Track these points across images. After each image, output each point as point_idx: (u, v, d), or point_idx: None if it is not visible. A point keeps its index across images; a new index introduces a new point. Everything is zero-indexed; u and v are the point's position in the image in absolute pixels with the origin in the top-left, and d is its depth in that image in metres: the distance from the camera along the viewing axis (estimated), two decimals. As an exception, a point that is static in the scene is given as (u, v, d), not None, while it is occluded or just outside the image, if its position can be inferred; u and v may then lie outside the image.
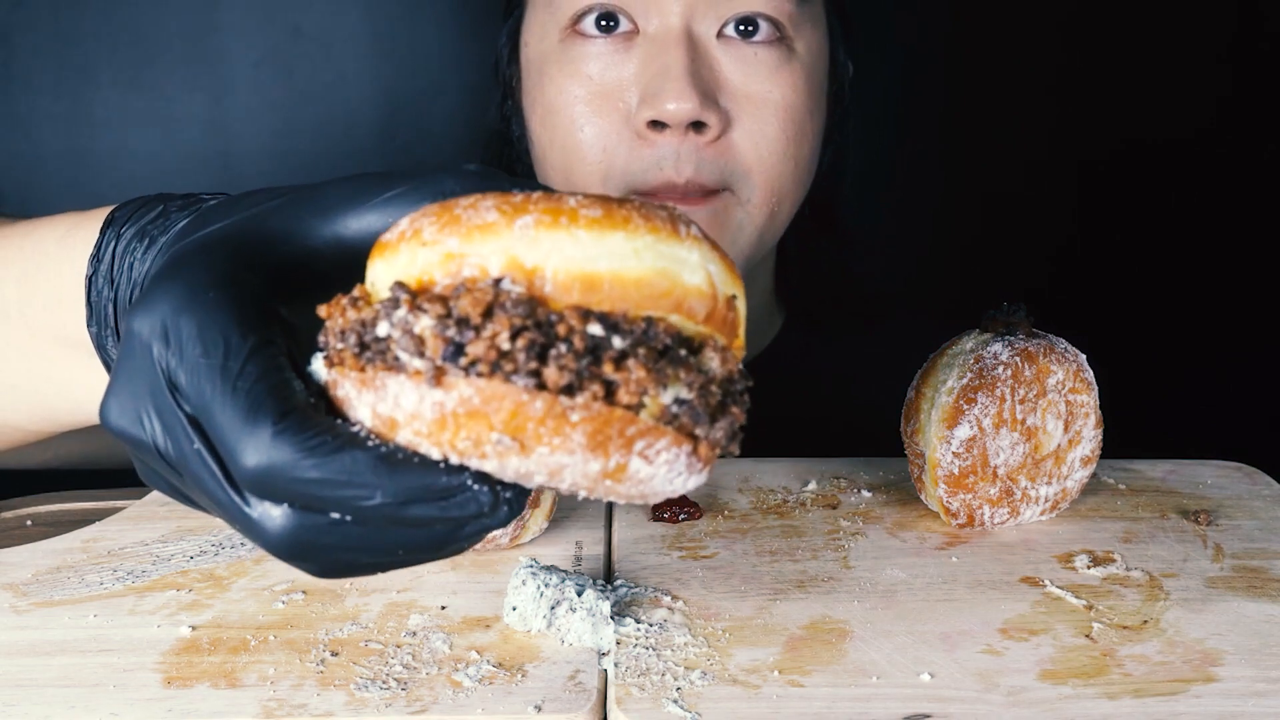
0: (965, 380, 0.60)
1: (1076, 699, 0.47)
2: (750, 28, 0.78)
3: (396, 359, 0.35)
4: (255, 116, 1.37)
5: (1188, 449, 0.75)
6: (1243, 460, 0.73)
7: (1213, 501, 0.67)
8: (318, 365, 0.37)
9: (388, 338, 0.35)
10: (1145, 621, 0.53)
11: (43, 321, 0.53)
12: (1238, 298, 1.51)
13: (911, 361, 0.65)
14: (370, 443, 0.35)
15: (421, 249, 0.36)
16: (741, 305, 0.39)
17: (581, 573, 0.55)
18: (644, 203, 0.37)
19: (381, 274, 0.37)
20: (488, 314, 0.34)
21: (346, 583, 0.56)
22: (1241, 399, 1.50)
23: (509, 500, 0.36)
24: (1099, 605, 0.55)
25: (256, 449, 0.34)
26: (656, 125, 0.76)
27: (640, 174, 0.77)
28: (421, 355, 0.34)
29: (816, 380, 0.94)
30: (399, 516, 0.35)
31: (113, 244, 0.49)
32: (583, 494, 0.37)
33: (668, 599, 0.55)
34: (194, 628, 0.52)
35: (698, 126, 0.76)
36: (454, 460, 0.35)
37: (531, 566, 0.53)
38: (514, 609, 0.52)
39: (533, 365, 0.34)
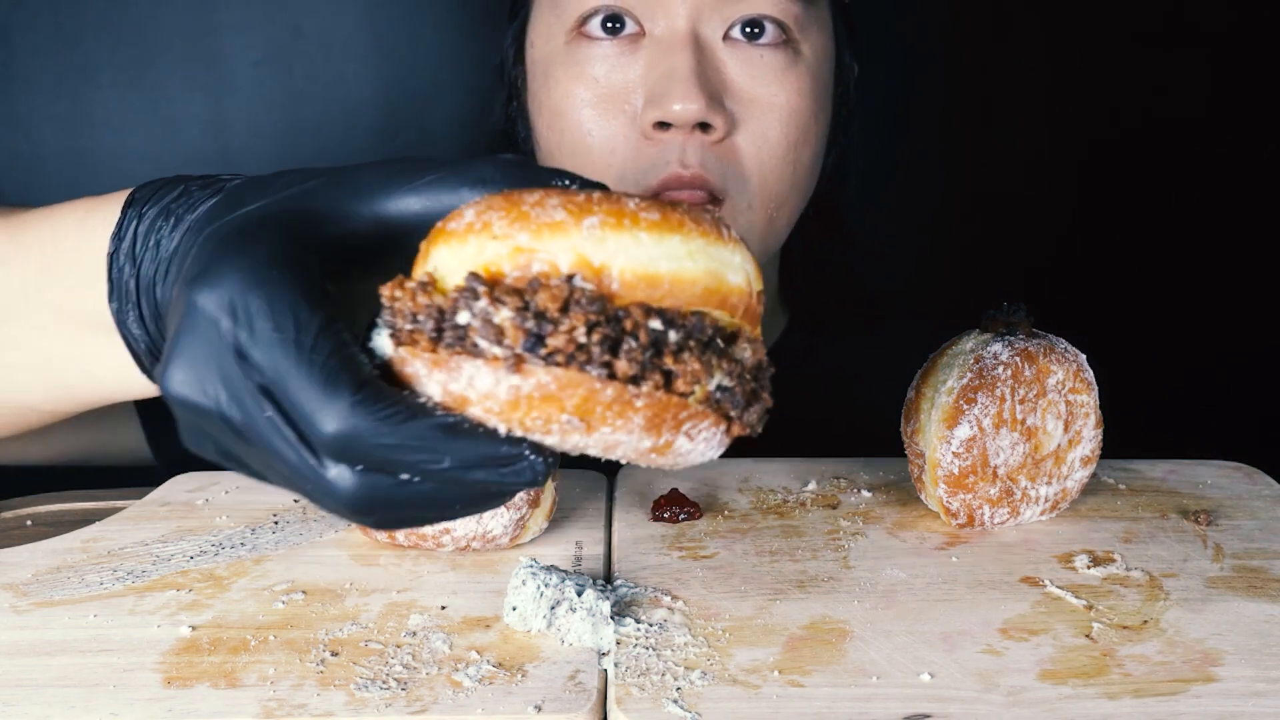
0: (965, 380, 0.60)
1: (1076, 699, 0.47)
2: (756, 30, 0.78)
3: (475, 345, 0.38)
4: (255, 116, 1.37)
5: (1188, 449, 0.75)
6: (1243, 460, 0.73)
7: (1213, 501, 0.67)
8: (382, 341, 0.40)
9: (467, 326, 0.38)
10: (1145, 621, 0.53)
11: (62, 301, 0.55)
12: (1238, 298, 1.51)
13: (911, 361, 0.65)
14: (438, 413, 0.38)
15: (491, 241, 0.39)
16: (761, 299, 0.43)
17: (581, 573, 0.55)
18: (691, 206, 0.41)
19: (446, 260, 0.40)
20: (564, 309, 0.37)
21: (347, 583, 0.56)
22: (1241, 399, 1.50)
23: (553, 464, 0.39)
24: (1099, 605, 0.55)
25: (337, 417, 0.37)
26: (662, 126, 0.76)
27: (647, 171, 0.78)
28: (500, 344, 0.37)
29: (819, 381, 0.94)
30: (461, 479, 0.38)
31: (134, 223, 0.50)
32: (623, 460, 0.40)
33: (668, 599, 0.55)
34: (194, 628, 0.52)
35: (704, 128, 0.76)
36: (518, 433, 0.38)
37: (531, 566, 0.53)
38: (514, 609, 0.52)
39: (605, 358, 0.38)
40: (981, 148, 1.47)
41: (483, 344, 0.38)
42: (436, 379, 0.39)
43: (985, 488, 0.61)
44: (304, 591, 0.56)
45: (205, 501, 0.66)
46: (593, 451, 0.39)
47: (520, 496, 0.58)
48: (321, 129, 1.37)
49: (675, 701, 0.46)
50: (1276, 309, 1.51)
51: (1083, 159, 1.48)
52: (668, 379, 0.39)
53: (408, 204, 0.44)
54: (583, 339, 0.37)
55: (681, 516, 0.64)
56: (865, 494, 0.67)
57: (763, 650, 0.50)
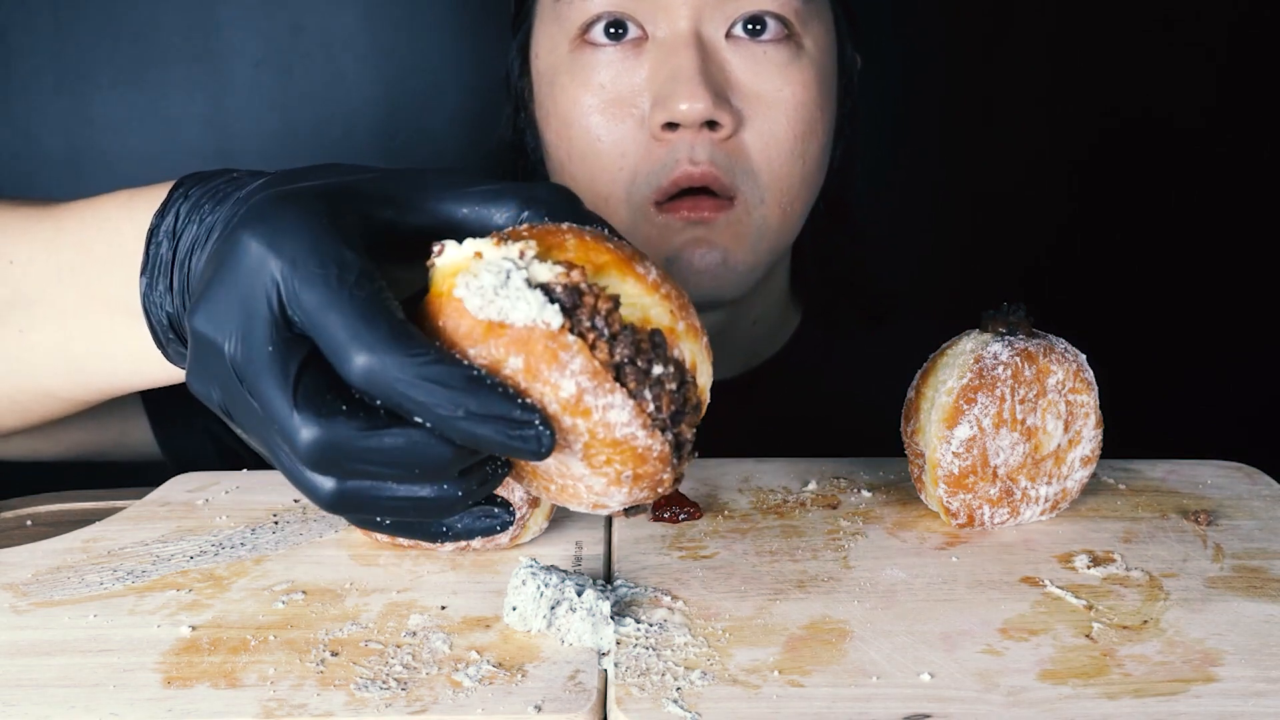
0: (965, 380, 0.60)
1: (1076, 699, 0.47)
2: (758, 26, 0.79)
3: (635, 390, 0.42)
4: (255, 116, 1.37)
5: (1188, 449, 0.75)
6: (1243, 460, 0.73)
7: (1213, 501, 0.67)
8: (531, 295, 0.41)
9: (647, 374, 0.42)
10: (1145, 621, 0.53)
11: (93, 284, 0.56)
12: (1238, 298, 1.51)
13: (911, 361, 0.65)
14: (463, 361, 0.40)
15: (547, 264, 0.42)
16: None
17: (581, 573, 0.55)
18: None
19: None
20: (695, 408, 0.44)
21: (347, 583, 0.56)
22: (1241, 399, 1.50)
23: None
24: (1099, 605, 0.55)
25: (370, 350, 0.39)
26: (671, 126, 0.77)
27: (658, 172, 0.78)
28: (658, 408, 0.42)
29: (832, 378, 0.94)
30: (471, 433, 0.40)
31: (180, 202, 0.52)
32: (548, 482, 0.45)
33: (668, 599, 0.55)
34: (194, 628, 0.52)
35: (712, 126, 0.77)
36: (524, 383, 0.41)
37: (531, 566, 0.53)
38: (514, 609, 0.52)
39: (653, 412, 0.43)
40: (982, 147, 1.47)
41: (645, 393, 0.42)
42: (575, 375, 0.41)
43: (985, 488, 0.61)
44: (304, 591, 0.56)
45: (205, 501, 0.66)
46: (577, 448, 0.43)
47: (520, 496, 0.58)
48: (321, 129, 1.37)
49: (675, 701, 0.46)
50: (1276, 309, 1.51)
51: (1083, 159, 1.48)
52: (678, 444, 0.44)
53: (457, 207, 0.46)
54: (689, 436, 0.44)
55: (681, 516, 0.64)
56: (865, 494, 0.67)
57: (763, 650, 0.50)
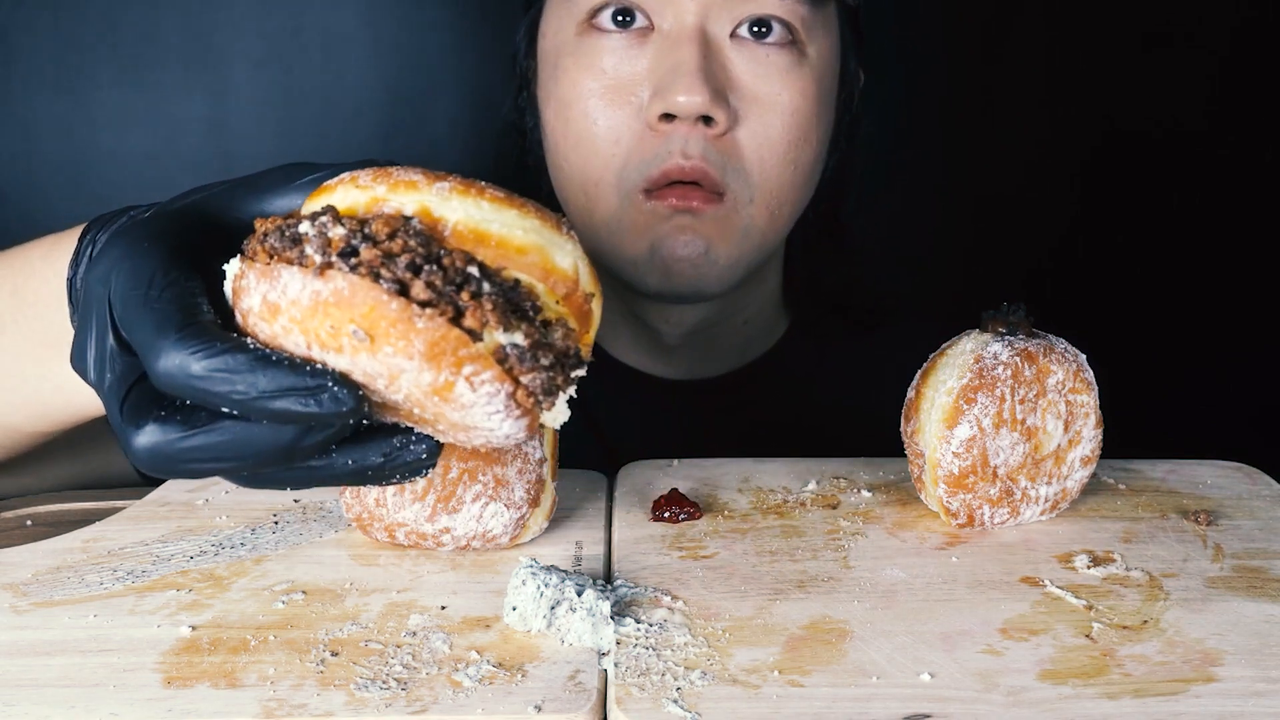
0: (965, 380, 0.60)
1: (1076, 699, 0.47)
2: (763, 29, 0.79)
3: (302, 253, 0.41)
4: (255, 116, 1.37)
5: (1188, 449, 0.75)
6: (1243, 460, 0.73)
7: (1213, 501, 0.67)
8: (231, 263, 0.44)
9: (304, 235, 0.42)
10: (1145, 621, 0.53)
11: (34, 327, 0.60)
12: (1238, 298, 1.51)
13: (912, 363, 0.65)
14: (251, 346, 0.42)
15: (354, 189, 0.44)
16: (597, 309, 0.47)
17: (581, 573, 0.56)
18: (542, 206, 0.45)
19: (313, 205, 0.45)
20: (392, 236, 0.41)
21: (347, 583, 0.56)
22: (1241, 399, 1.51)
23: (357, 400, 0.42)
24: (1099, 605, 0.55)
25: (162, 352, 0.42)
26: (667, 118, 0.77)
27: (650, 162, 0.79)
28: (324, 253, 0.41)
29: (819, 384, 0.95)
30: (272, 409, 0.41)
31: (89, 248, 0.56)
32: (417, 411, 0.43)
33: (668, 599, 0.55)
34: (194, 628, 0.52)
35: (707, 121, 0.77)
36: (315, 351, 0.41)
37: (531, 566, 0.53)
38: (514, 609, 0.52)
39: (405, 276, 0.40)
40: (983, 149, 1.47)
41: (309, 250, 0.41)
42: (260, 289, 0.42)
43: (985, 488, 0.61)
44: (304, 591, 0.56)
45: (205, 501, 0.66)
46: (381, 383, 0.42)
47: (520, 496, 0.58)
48: (321, 129, 1.37)
49: (675, 701, 0.46)
50: (1276, 309, 1.52)
51: (1083, 160, 1.48)
52: (458, 314, 0.41)
53: (292, 199, 0.50)
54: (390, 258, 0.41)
55: (681, 516, 0.64)
56: (865, 494, 0.67)
57: (763, 650, 0.50)
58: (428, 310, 0.40)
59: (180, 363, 0.42)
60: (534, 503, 0.59)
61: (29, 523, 0.67)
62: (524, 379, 0.42)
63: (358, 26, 1.36)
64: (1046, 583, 0.57)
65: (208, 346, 0.42)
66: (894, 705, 0.46)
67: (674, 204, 0.79)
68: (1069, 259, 1.50)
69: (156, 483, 0.70)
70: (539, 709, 0.46)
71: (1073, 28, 1.44)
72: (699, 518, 0.64)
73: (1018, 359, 0.60)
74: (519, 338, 0.42)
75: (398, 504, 0.58)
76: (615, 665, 0.49)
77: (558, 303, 0.45)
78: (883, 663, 0.49)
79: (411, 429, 0.46)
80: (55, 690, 0.47)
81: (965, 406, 0.60)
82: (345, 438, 0.45)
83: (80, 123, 1.34)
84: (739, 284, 0.85)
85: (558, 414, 0.45)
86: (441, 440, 0.46)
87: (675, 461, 0.71)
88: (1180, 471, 0.71)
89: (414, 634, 0.52)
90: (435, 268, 0.41)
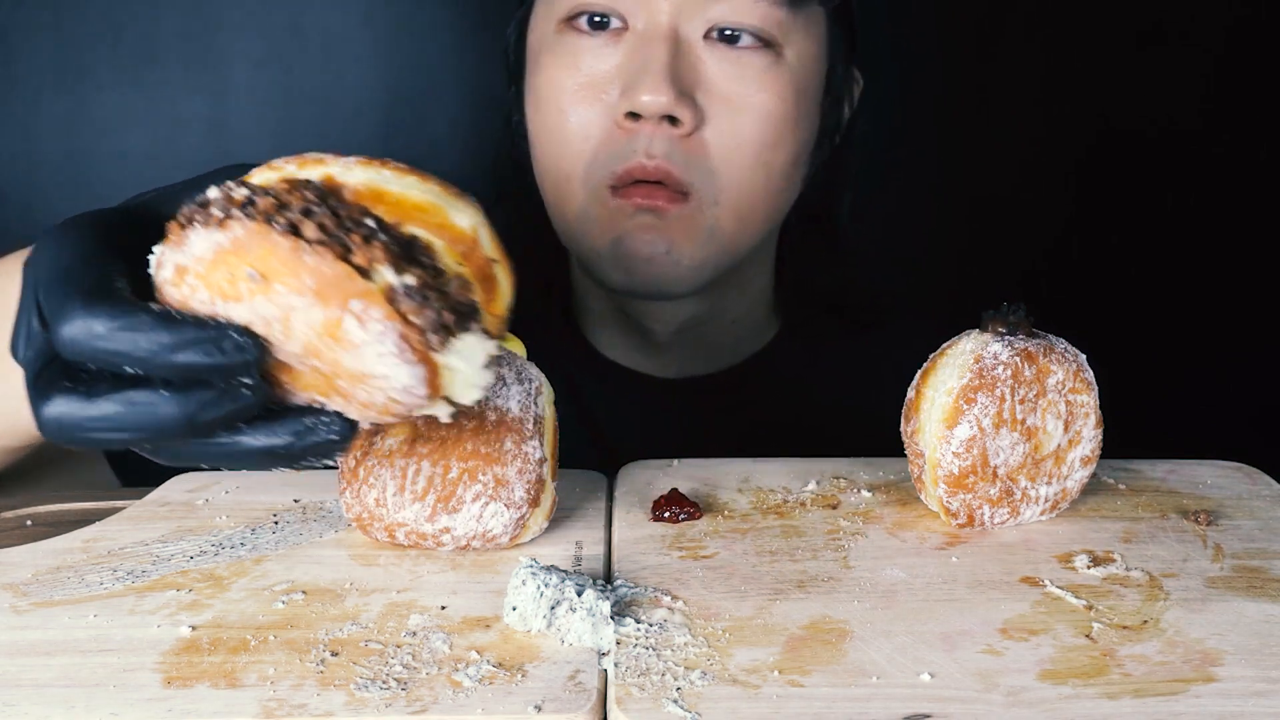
0: (965, 380, 0.60)
1: (1076, 699, 0.47)
2: (734, 33, 0.79)
3: (207, 214, 0.43)
4: (255, 116, 1.37)
5: (1188, 449, 0.75)
6: (1243, 460, 0.73)
7: (1213, 501, 0.67)
8: (156, 249, 0.46)
9: (211, 199, 0.43)
10: (1145, 621, 0.53)
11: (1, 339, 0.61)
12: (1238, 298, 1.51)
13: (908, 362, 0.65)
14: (155, 308, 0.44)
15: (268, 170, 0.47)
16: (504, 277, 0.48)
17: (581, 573, 0.56)
18: (444, 180, 0.47)
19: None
20: (290, 191, 0.43)
21: (347, 582, 0.56)
22: (1241, 399, 1.51)
23: (254, 347, 0.43)
24: (1099, 605, 0.55)
25: (71, 319, 0.43)
26: (633, 116, 0.78)
27: (615, 159, 0.80)
28: (226, 210, 0.43)
29: (813, 383, 0.94)
30: (177, 362, 0.43)
31: None
32: (314, 363, 0.44)
33: (668, 599, 0.55)
34: (194, 628, 0.52)
35: (673, 121, 0.78)
36: (219, 306, 0.43)
37: (531, 566, 0.53)
38: (514, 609, 0.52)
39: (297, 219, 0.42)
40: (977, 148, 1.47)
41: (213, 211, 0.43)
42: (172, 259, 0.44)
43: (985, 488, 0.61)
44: (304, 591, 0.56)
45: (205, 501, 0.66)
46: (277, 328, 0.43)
47: (520, 496, 0.58)
48: (321, 129, 1.37)
49: (675, 701, 0.46)
50: (1276, 309, 1.52)
51: (1082, 160, 1.48)
52: (348, 253, 0.42)
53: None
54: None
55: (681, 517, 0.64)
56: (865, 494, 0.67)
57: (763, 650, 0.50)
58: (317, 247, 0.42)
59: (85, 325, 0.43)
60: (534, 503, 0.59)
61: (29, 523, 0.67)
62: (413, 318, 0.43)
63: (358, 26, 1.36)
64: (1046, 583, 0.57)
65: (113, 309, 0.43)
66: (894, 705, 0.46)
67: (638, 202, 0.80)
68: (1065, 258, 1.50)
69: (159, 474, 0.70)
70: (539, 709, 0.46)
71: (1067, 26, 1.44)
72: (699, 518, 0.64)
73: (1018, 359, 0.60)
74: (409, 279, 0.43)
75: (398, 504, 0.58)
76: (615, 665, 0.49)
77: (458, 262, 0.46)
78: (883, 663, 0.49)
79: (323, 411, 0.46)
80: (55, 690, 0.47)
81: (965, 406, 0.60)
82: (255, 416, 0.45)
83: (80, 123, 1.34)
84: (706, 285, 0.85)
85: (468, 385, 0.46)
86: (351, 414, 0.46)
87: (675, 461, 0.71)
88: (1180, 471, 0.71)
89: (414, 634, 0.52)
90: (327, 212, 0.43)
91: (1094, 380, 0.63)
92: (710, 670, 0.49)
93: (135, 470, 0.80)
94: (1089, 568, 0.59)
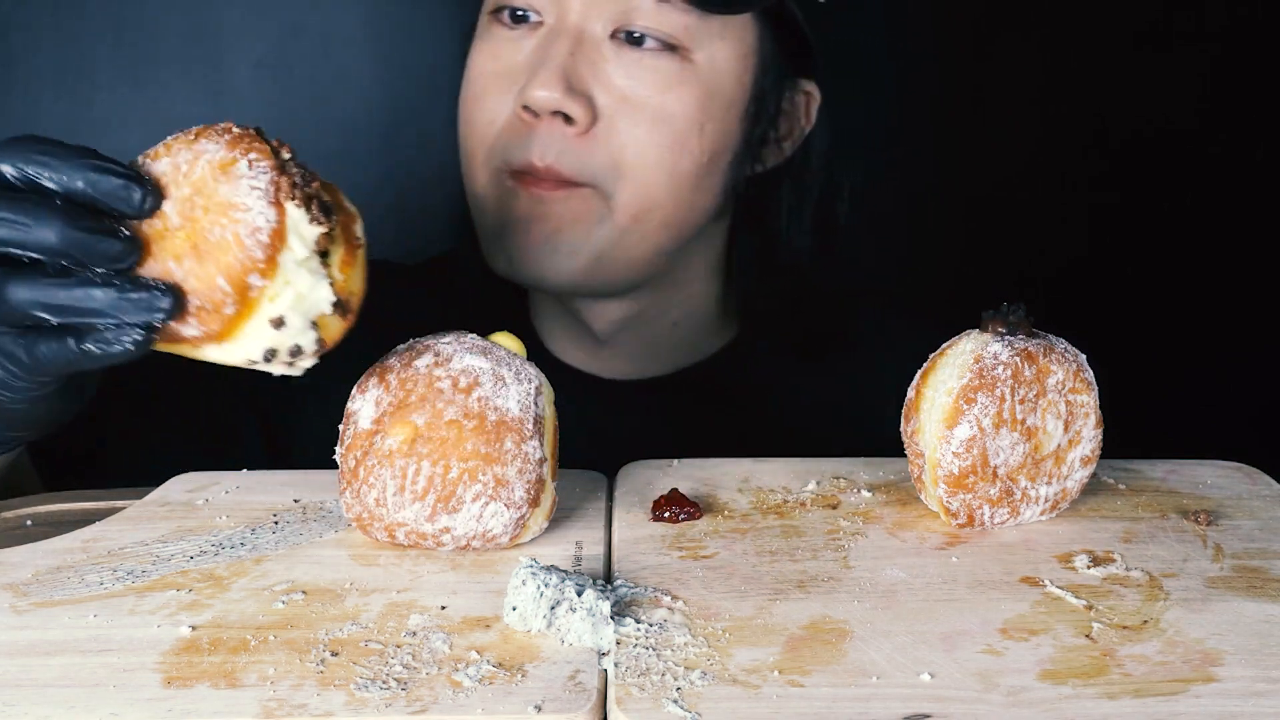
0: (965, 380, 0.60)
1: (1076, 699, 0.47)
2: (640, 35, 0.80)
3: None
4: (255, 116, 1.36)
5: (1188, 449, 0.75)
6: (1243, 460, 0.73)
7: (1213, 501, 0.67)
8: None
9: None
10: (1145, 621, 0.53)
11: None
12: (1238, 298, 1.51)
13: (911, 361, 0.65)
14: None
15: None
16: (362, 258, 0.57)
17: (581, 573, 0.56)
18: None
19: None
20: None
21: (347, 582, 0.56)
22: (1241, 399, 1.51)
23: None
24: (1099, 605, 0.55)
25: (18, 139, 0.53)
26: (529, 110, 0.80)
27: (512, 151, 0.82)
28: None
29: (763, 395, 0.94)
30: (89, 176, 0.52)
31: None
32: (173, 206, 0.53)
33: (668, 599, 0.55)
34: (194, 628, 0.52)
35: (567, 118, 0.79)
36: (147, 163, 0.54)
37: (531, 566, 0.53)
38: (514, 609, 0.52)
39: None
40: (974, 148, 1.47)
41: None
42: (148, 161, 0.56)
43: (985, 488, 0.61)
44: (304, 591, 0.56)
45: (205, 501, 0.66)
46: (183, 171, 0.53)
47: (520, 496, 0.58)
48: (321, 129, 1.37)
49: (675, 701, 0.46)
50: (1276, 309, 1.52)
51: (1082, 160, 1.48)
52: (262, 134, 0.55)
53: None
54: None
55: (681, 516, 0.64)
56: (865, 494, 0.67)
57: (763, 650, 0.50)
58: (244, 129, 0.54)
59: (31, 139, 0.53)
60: (534, 503, 0.59)
61: (29, 523, 0.67)
62: (291, 170, 0.53)
63: (358, 26, 1.36)
64: (1046, 583, 0.57)
65: (55, 142, 0.53)
66: (894, 705, 0.46)
67: (531, 191, 0.82)
68: (1068, 258, 1.50)
69: (159, 474, 0.70)
70: (539, 709, 0.46)
71: (1063, 26, 1.44)
72: (699, 518, 0.64)
73: (1018, 359, 0.60)
74: (296, 162, 0.54)
75: (398, 504, 0.58)
76: (615, 665, 0.49)
77: (339, 217, 0.56)
78: (883, 663, 0.49)
79: (161, 283, 0.53)
80: (55, 690, 0.47)
81: (965, 406, 0.60)
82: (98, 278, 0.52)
83: (80, 123, 1.34)
84: (586, 277, 0.84)
85: (296, 308, 0.54)
86: (191, 283, 0.53)
87: (675, 461, 0.71)
88: (1180, 471, 0.71)
89: (414, 634, 0.52)
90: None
91: (1094, 380, 0.63)
92: (710, 670, 0.49)
93: (67, 476, 0.79)
94: (1089, 568, 0.59)
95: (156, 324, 0.52)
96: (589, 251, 0.83)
